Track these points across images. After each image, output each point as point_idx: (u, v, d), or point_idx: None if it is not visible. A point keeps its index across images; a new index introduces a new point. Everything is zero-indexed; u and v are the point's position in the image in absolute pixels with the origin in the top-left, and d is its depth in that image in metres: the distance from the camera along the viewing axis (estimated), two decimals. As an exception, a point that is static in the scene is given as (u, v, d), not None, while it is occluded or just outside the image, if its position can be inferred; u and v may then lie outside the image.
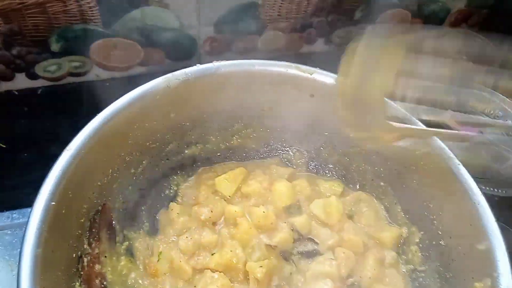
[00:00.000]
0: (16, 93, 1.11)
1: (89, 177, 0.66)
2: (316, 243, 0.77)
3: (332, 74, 0.79)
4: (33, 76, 1.10)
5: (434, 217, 0.73)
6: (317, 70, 0.78)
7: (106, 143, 0.67)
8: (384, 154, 0.80)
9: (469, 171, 0.69)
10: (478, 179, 1.04)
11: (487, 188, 1.00)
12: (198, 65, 0.76)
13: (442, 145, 0.72)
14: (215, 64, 0.76)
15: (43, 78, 1.11)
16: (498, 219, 0.65)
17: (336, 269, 0.72)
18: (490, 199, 0.67)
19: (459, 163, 0.69)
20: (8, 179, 0.94)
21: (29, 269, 0.52)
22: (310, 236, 0.78)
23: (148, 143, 0.77)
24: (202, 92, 0.78)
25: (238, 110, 0.83)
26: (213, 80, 0.77)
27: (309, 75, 0.78)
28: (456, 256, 0.69)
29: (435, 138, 0.72)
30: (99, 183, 0.69)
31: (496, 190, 1.00)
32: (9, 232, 0.82)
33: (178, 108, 0.77)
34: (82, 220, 0.66)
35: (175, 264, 0.72)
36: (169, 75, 0.73)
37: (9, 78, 1.08)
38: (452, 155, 0.71)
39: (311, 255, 0.76)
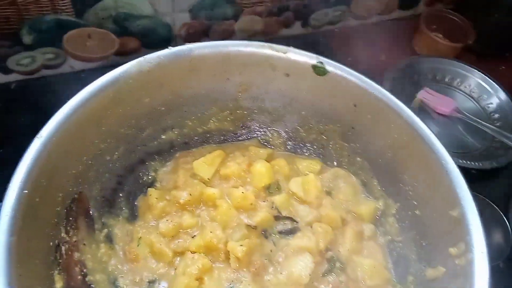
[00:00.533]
0: (-10, 88, 1.09)
1: (63, 165, 0.65)
2: (296, 221, 0.78)
3: (305, 53, 0.79)
4: (5, 70, 1.07)
5: (409, 188, 0.74)
6: (291, 49, 0.78)
7: (79, 130, 0.67)
8: (360, 130, 0.80)
9: (444, 145, 0.70)
10: (454, 153, 1.06)
11: (464, 161, 1.02)
12: (170, 47, 0.75)
13: (414, 116, 0.73)
14: (188, 46, 0.76)
15: (16, 72, 1.09)
16: (475, 190, 0.66)
17: (314, 243, 0.73)
18: (467, 172, 0.69)
19: (431, 132, 0.70)
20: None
21: (4, 257, 0.52)
22: (289, 214, 0.79)
23: (123, 130, 0.76)
24: (176, 75, 0.77)
25: (213, 93, 0.83)
26: (187, 62, 0.76)
27: (282, 54, 0.78)
28: (431, 224, 0.70)
29: (407, 109, 0.73)
30: (73, 171, 0.68)
31: (472, 163, 1.02)
32: (-14, 226, 0.80)
33: (153, 92, 0.77)
34: (58, 209, 0.65)
35: (155, 247, 0.72)
36: (141, 58, 0.73)
37: (-17, 72, 1.06)
38: (423, 125, 0.71)
39: (291, 232, 0.77)
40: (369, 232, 0.77)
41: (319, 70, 0.78)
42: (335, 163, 0.86)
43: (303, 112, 0.85)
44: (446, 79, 1.22)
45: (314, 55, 0.78)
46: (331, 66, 0.77)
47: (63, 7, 1.00)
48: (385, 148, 0.77)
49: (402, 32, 1.35)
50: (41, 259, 0.59)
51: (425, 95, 1.15)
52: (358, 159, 0.83)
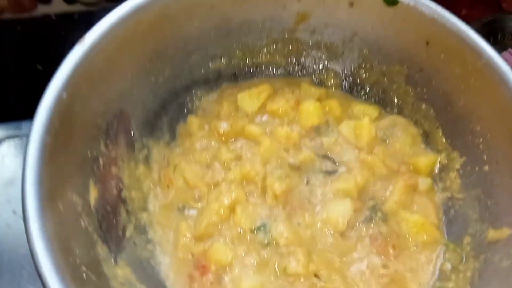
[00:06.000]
0: (53, 17, 1.11)
1: (106, 77, 0.64)
2: (340, 165, 0.72)
3: (374, -21, 0.69)
4: (69, 0, 1.08)
5: (480, 140, 0.64)
6: (357, -27, 0.69)
7: (124, 43, 0.64)
8: (429, 73, 0.70)
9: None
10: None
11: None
12: (223, -35, 0.69)
13: (498, 58, 0.61)
14: (243, -35, 0.69)
15: (80, 2, 1.10)
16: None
17: (354, 188, 0.66)
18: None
19: (517, 77, 0.59)
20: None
21: (35, 152, 0.51)
22: (334, 157, 0.72)
23: (170, 51, 0.73)
24: (228, -3, 0.72)
25: (267, 21, 0.76)
26: (240, -17, 0.70)
27: (347, -20, 0.69)
28: (501, 182, 0.60)
29: (490, 49, 0.62)
30: (117, 86, 0.67)
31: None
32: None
33: (202, 14, 0.72)
34: (99, 122, 0.64)
35: (190, 182, 0.69)
36: (191, -25, 0.68)
37: (47, 0, 1.08)
38: (509, 69, 0.60)
39: (333, 175, 0.71)
40: (425, 186, 0.69)
41: None
42: (395, 110, 0.77)
43: (365, 50, 0.76)
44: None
45: (385, -18, 0.68)
46: (403, -6, 0.67)
47: None
48: (457, 94, 0.67)
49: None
50: (77, 165, 0.59)
51: (508, 57, 1.00)
52: (424, 106, 0.73)
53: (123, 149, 0.69)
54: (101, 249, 0.58)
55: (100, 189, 0.62)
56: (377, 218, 0.66)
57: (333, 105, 0.77)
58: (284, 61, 0.82)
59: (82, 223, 0.56)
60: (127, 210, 0.66)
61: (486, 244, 0.59)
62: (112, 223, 0.63)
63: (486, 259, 0.58)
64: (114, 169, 0.67)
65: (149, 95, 0.73)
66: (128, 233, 0.64)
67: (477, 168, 0.65)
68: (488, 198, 0.62)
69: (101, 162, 0.64)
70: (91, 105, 0.62)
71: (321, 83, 0.82)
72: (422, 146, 0.73)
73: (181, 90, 0.78)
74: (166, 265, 0.64)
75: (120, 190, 0.66)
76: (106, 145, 0.66)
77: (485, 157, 0.63)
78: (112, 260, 0.59)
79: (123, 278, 0.58)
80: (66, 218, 0.53)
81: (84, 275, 0.51)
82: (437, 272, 0.63)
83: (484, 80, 0.63)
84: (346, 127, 0.74)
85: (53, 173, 0.53)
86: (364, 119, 0.73)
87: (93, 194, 0.61)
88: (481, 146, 0.64)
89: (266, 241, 0.65)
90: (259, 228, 0.66)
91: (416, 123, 0.75)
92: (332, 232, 0.65)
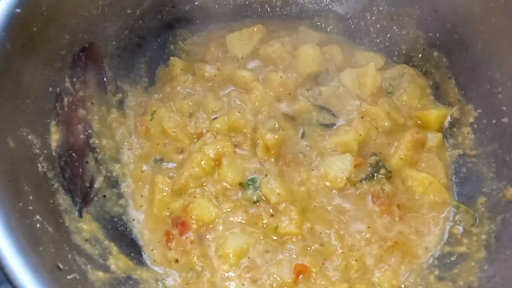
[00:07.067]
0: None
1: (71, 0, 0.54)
2: (340, 117, 0.64)
3: None
4: None
5: (500, 89, 0.57)
6: None
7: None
8: (444, 14, 0.62)
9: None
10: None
11: None
12: None
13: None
14: None
15: None
16: None
17: (354, 142, 0.59)
18: None
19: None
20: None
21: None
22: (333, 109, 0.64)
23: (149, -20, 0.63)
24: None
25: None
26: None
27: None
28: (523, 134, 0.54)
29: None
30: (85, 13, 0.57)
31: None
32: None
33: None
34: (63, 52, 0.55)
35: (169, 133, 0.61)
36: None
37: None
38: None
39: (331, 128, 0.63)
40: (434, 142, 0.62)
41: None
42: (403, 58, 0.69)
43: (373, -10, 0.68)
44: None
45: None
46: None
47: None
48: (475, 37, 0.60)
49: None
50: (35, 100, 0.50)
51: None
52: (436, 53, 0.65)
53: (92, 89, 0.60)
54: (63, 200, 0.49)
55: (63, 132, 0.54)
56: (380, 176, 0.59)
57: (335, 51, 0.68)
58: (281, 1, 0.72)
59: (40, 166, 0.48)
60: (96, 159, 0.58)
61: (504, 203, 0.53)
62: (77, 172, 0.54)
63: (504, 220, 0.52)
64: (81, 112, 0.58)
65: (125, 30, 0.64)
66: (97, 185, 0.56)
67: (494, 121, 0.58)
68: (506, 153, 0.55)
69: (65, 101, 0.55)
70: (54, 30, 0.53)
71: (321, 28, 0.73)
72: (431, 98, 0.66)
73: (162, 29, 0.69)
74: (140, 222, 0.57)
75: (88, 136, 0.58)
76: (72, 82, 0.56)
77: (504, 108, 0.56)
78: (76, 212, 0.51)
79: (89, 233, 0.50)
80: (17, 158, 0.44)
81: (38, 224, 0.42)
82: (446, 236, 0.57)
83: (507, 18, 0.56)
84: (348, 76, 0.66)
85: (1, 102, 0.44)
86: (368, 65, 0.65)
87: (54, 136, 0.52)
88: (500, 96, 0.57)
89: (255, 198, 0.57)
90: (247, 184, 0.58)
91: (425, 73, 0.67)
92: (329, 189, 0.58)
